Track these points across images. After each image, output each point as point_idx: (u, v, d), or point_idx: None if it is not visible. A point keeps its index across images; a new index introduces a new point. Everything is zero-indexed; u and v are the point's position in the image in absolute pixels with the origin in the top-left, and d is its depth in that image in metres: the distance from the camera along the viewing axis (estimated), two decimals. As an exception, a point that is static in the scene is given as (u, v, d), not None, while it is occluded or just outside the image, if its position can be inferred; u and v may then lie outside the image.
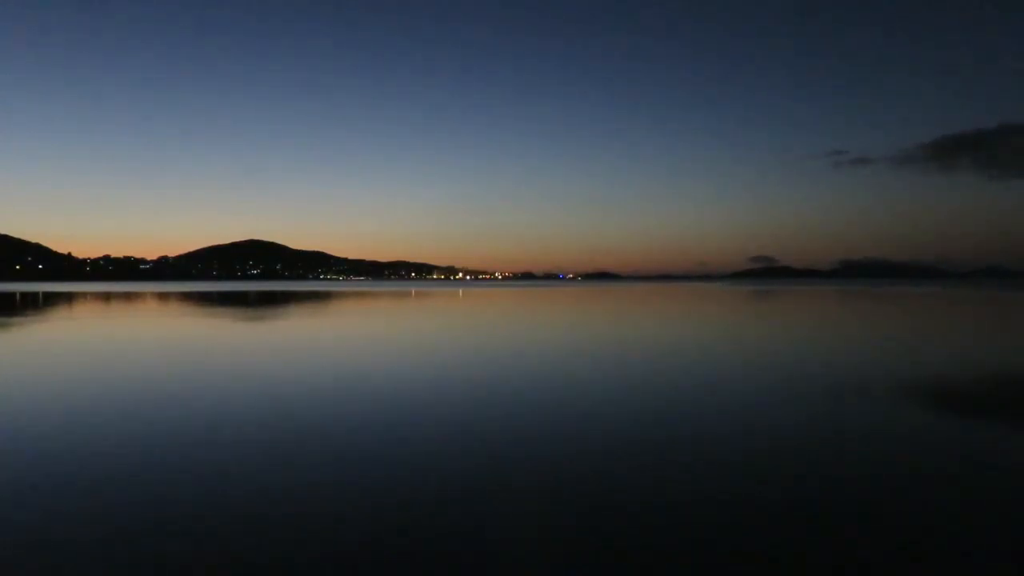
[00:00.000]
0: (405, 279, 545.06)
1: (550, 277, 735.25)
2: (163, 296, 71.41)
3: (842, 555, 4.88)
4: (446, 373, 14.16)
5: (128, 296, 70.75)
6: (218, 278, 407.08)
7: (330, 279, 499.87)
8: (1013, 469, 7.13)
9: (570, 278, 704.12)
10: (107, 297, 68.10)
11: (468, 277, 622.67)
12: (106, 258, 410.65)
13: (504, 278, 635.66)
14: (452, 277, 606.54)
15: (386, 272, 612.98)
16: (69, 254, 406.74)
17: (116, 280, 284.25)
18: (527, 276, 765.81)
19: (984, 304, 50.20)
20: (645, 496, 6.16)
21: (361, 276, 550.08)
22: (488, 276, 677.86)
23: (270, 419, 9.45)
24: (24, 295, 74.13)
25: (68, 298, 63.80)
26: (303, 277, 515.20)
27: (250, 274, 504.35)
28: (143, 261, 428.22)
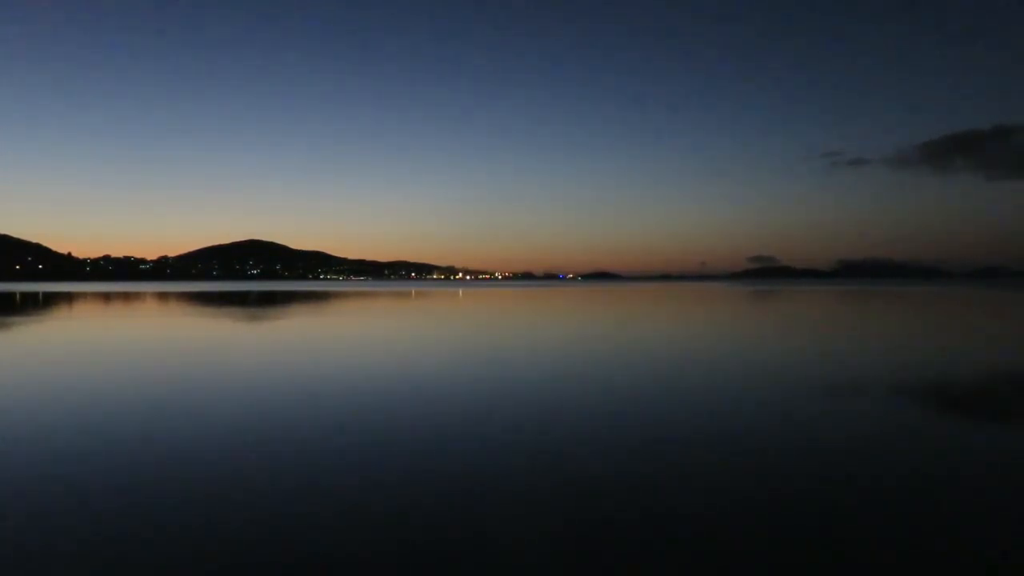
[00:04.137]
0: (405, 279, 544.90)
1: (550, 277, 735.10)
2: (163, 296, 71.38)
3: (843, 556, 4.86)
4: (446, 373, 14.15)
5: (128, 296, 70.72)
6: (218, 278, 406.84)
7: (330, 279, 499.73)
8: (1013, 468, 7.16)
9: (570, 278, 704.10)
10: (107, 297, 68.08)
11: (468, 277, 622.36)
12: (106, 258, 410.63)
13: (504, 278, 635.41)
14: (452, 277, 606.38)
15: (386, 272, 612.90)
16: (69, 254, 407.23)
17: (116, 280, 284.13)
18: (527, 276, 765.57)
19: (983, 304, 50.19)
20: (647, 497, 6.11)
21: (361, 276, 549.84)
22: (488, 276, 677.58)
23: (272, 419, 9.45)
24: (24, 295, 74.09)
25: (68, 298, 63.77)
26: (303, 277, 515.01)
27: (250, 274, 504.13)
28: (143, 261, 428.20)
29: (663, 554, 4.90)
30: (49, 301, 55.83)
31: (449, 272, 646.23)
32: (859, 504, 5.93)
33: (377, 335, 23.84)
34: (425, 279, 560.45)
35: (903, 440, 8.28)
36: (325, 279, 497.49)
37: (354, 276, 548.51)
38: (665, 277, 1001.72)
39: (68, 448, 7.91)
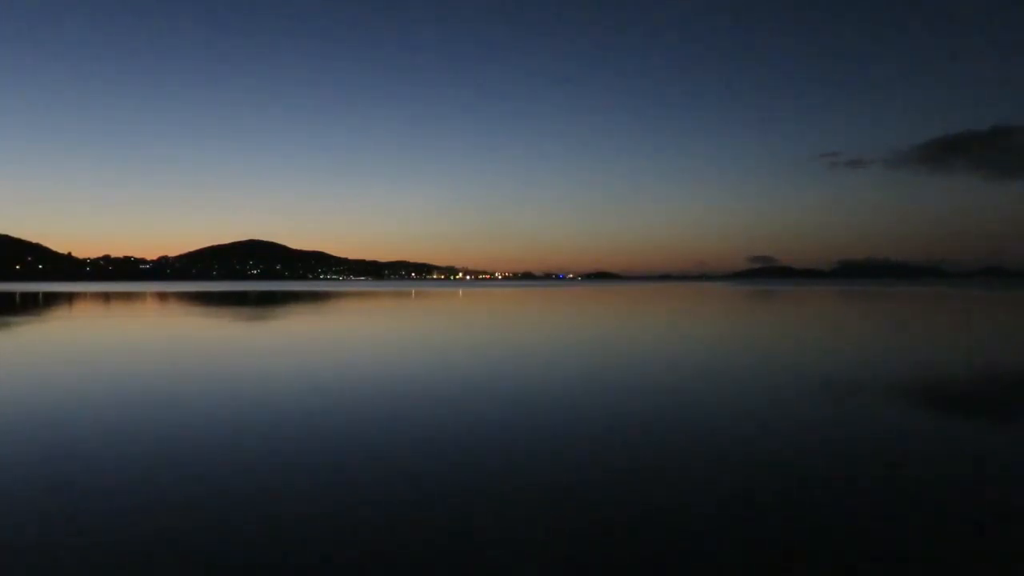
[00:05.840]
0: (405, 279, 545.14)
1: (550, 277, 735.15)
2: (163, 296, 71.40)
3: (842, 555, 4.87)
4: (447, 373, 14.17)
5: (128, 296, 70.74)
6: (218, 278, 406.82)
7: (330, 279, 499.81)
8: (1012, 467, 7.21)
9: (570, 278, 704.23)
10: (107, 297, 68.10)
11: (468, 277, 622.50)
12: (106, 258, 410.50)
13: (504, 278, 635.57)
14: (452, 277, 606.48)
15: (386, 272, 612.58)
16: (69, 254, 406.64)
17: (116, 280, 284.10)
18: (527, 276, 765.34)
19: (982, 305, 50.24)
20: (647, 498, 6.10)
21: (361, 276, 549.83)
22: (488, 276, 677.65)
23: (271, 420, 9.47)
24: (24, 295, 74.10)
25: (68, 298, 63.79)
26: (303, 277, 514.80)
27: (250, 274, 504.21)
28: (143, 261, 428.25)
29: (663, 554, 4.89)
30: (49, 301, 55.84)
31: (449, 272, 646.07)
32: (858, 505, 5.92)
33: (378, 335, 23.86)
34: (425, 279, 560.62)
35: (902, 440, 8.29)
36: (325, 279, 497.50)
37: (354, 276, 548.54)
38: (665, 277, 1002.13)
39: (70, 448, 7.97)
